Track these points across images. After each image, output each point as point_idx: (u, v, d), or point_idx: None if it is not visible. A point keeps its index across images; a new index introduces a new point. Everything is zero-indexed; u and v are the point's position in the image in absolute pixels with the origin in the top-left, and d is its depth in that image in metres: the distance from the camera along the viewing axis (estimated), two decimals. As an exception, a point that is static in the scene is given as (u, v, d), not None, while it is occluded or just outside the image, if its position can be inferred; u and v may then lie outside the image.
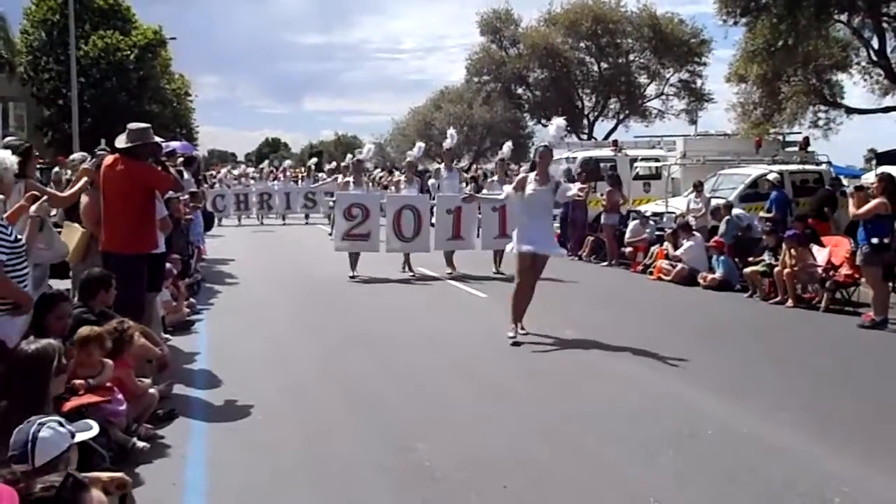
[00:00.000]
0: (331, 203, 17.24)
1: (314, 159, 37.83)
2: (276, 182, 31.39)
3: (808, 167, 19.05)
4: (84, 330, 5.40)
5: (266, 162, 39.65)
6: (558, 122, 10.14)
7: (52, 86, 37.14)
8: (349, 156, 28.48)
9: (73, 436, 3.53)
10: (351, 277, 13.76)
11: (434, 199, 15.18)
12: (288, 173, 33.30)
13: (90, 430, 3.71)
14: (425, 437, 5.68)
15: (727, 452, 5.45)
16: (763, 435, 5.82)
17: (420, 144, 16.73)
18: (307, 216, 29.80)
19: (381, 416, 6.24)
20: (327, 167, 34.10)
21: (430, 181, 16.11)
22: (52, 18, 37.13)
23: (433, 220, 14.74)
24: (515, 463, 5.24)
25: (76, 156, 10.59)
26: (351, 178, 14.83)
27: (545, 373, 7.63)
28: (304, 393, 6.89)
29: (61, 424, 3.54)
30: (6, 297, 4.83)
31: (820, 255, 12.20)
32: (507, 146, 16.15)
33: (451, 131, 16.13)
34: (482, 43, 49.28)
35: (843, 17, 23.77)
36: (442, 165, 15.69)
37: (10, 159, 5.22)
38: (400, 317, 10.51)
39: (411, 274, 14.47)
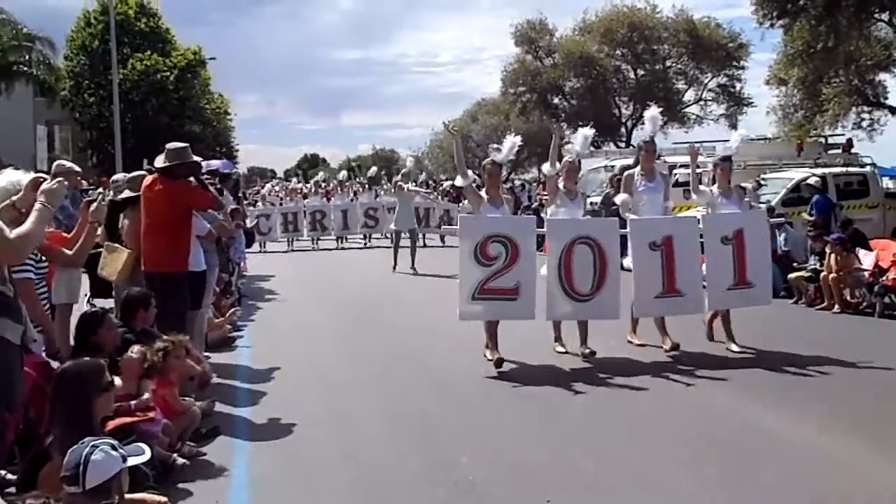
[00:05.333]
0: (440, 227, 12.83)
1: (374, 168, 31.96)
2: (329, 197, 27.29)
3: (851, 169, 18.72)
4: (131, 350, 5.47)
5: (320, 174, 34.21)
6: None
7: (94, 109, 37.91)
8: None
9: (124, 459, 3.54)
10: (498, 369, 8.04)
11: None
12: (348, 185, 28.28)
13: (142, 454, 3.71)
14: (468, 451, 5.63)
15: (778, 464, 5.31)
16: (816, 446, 5.68)
17: (586, 133, 9.49)
18: (367, 237, 25.63)
19: (424, 430, 6.20)
20: (395, 178, 30.08)
21: (620, 198, 9.08)
22: (92, 45, 37.93)
23: (626, 262, 8.83)
24: (559, 477, 5.17)
25: (118, 177, 10.77)
26: (484, 193, 8.61)
27: (589, 387, 7.52)
28: (347, 408, 6.87)
29: (114, 448, 3.54)
30: (35, 319, 4.87)
31: (866, 258, 11.97)
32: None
33: (652, 112, 9.89)
34: (517, 54, 49.33)
35: (885, 17, 23.42)
36: (637, 169, 9.26)
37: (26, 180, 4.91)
38: (444, 332, 10.41)
39: (587, 352, 8.56)
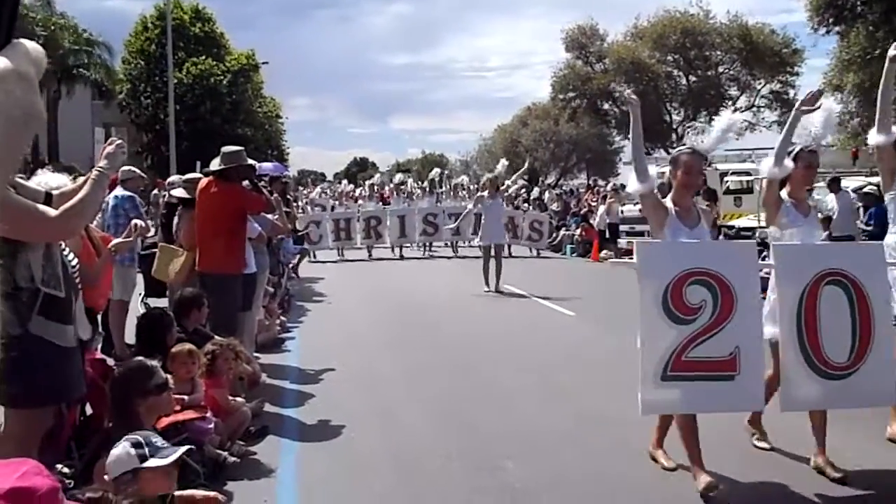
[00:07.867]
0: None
1: (436, 170, 28.82)
2: (385, 202, 25.53)
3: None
4: (176, 348, 5.58)
5: (376, 177, 31.95)
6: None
7: (150, 112, 38.64)
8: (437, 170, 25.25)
9: (143, 459, 3.54)
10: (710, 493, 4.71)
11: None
12: (406, 187, 26.49)
13: (164, 459, 3.57)
14: (513, 456, 5.62)
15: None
16: (871, 463, 5.56)
17: (832, 106, 6.11)
18: (426, 245, 23.60)
19: (471, 434, 6.20)
20: (456, 181, 27.78)
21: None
22: (149, 49, 38.70)
23: None
24: (607, 485, 5.13)
25: (173, 178, 11.02)
26: (671, 202, 5.21)
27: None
28: (395, 411, 6.91)
29: (138, 445, 3.56)
30: None
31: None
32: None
33: None
34: (567, 59, 49.30)
35: (946, 22, 22.88)
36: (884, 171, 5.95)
37: (60, 179, 4.71)
38: (491, 339, 10.42)
39: (838, 476, 5.08)
